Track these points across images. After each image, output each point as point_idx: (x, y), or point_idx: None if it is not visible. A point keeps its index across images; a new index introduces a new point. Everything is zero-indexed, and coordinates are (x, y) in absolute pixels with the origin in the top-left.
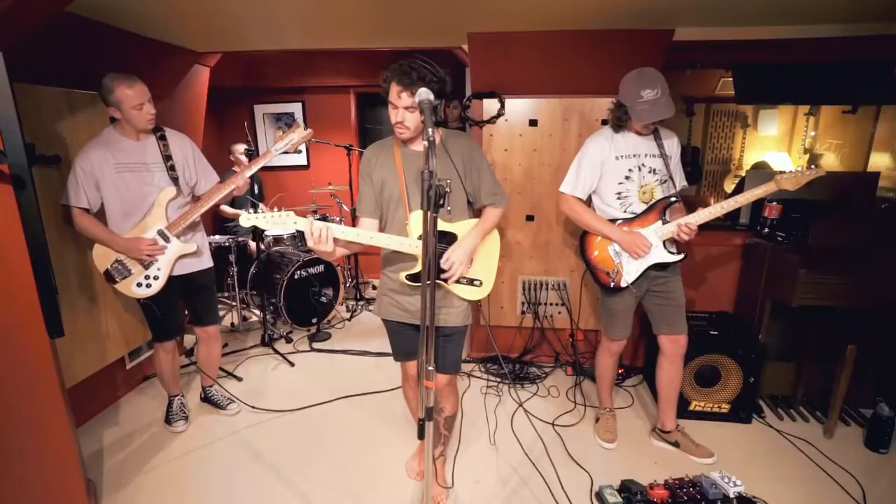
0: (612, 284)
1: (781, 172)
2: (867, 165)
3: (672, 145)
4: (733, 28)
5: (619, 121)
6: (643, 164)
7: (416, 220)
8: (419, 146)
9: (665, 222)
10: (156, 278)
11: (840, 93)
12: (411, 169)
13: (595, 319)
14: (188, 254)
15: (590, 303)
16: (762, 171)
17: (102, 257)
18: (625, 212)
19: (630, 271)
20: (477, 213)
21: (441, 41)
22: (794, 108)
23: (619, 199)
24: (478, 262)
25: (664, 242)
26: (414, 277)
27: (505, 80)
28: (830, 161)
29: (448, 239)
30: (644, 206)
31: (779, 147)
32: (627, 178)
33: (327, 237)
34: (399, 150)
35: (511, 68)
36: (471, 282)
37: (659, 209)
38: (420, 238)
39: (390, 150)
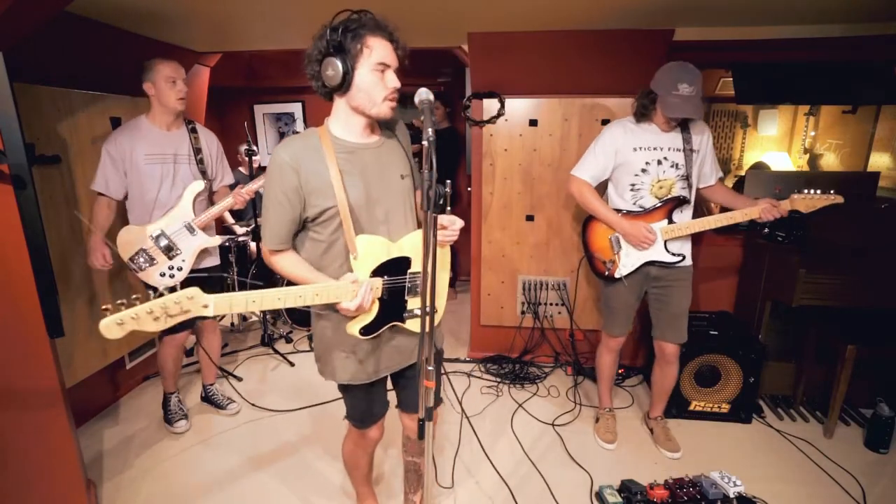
0: (605, 273)
1: (796, 193)
2: (867, 165)
3: (702, 140)
4: (733, 28)
5: (644, 109)
6: (665, 158)
7: (367, 249)
8: (362, 137)
9: (671, 222)
10: (179, 269)
11: (840, 93)
12: (357, 172)
13: (595, 319)
14: (205, 249)
15: (590, 302)
16: (761, 172)
17: (127, 245)
18: (634, 205)
19: (626, 264)
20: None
21: (441, 41)
22: (794, 108)
23: (631, 190)
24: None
25: (665, 242)
26: (370, 328)
27: (505, 80)
28: (830, 161)
29: (401, 267)
30: (655, 202)
31: (779, 147)
32: (644, 170)
33: (371, 297)
34: (333, 146)
35: (511, 68)
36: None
37: (668, 207)
38: (373, 275)
39: (316, 149)
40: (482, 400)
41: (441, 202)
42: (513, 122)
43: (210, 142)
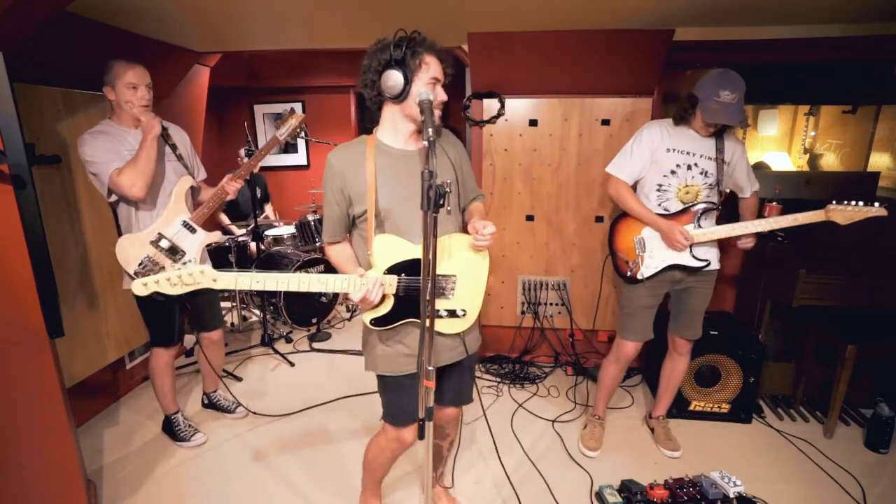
0: (628, 273)
1: (833, 203)
2: (867, 165)
3: (735, 151)
4: (733, 28)
5: (684, 113)
6: (695, 164)
7: (384, 247)
8: (408, 144)
9: (698, 227)
10: None
11: (840, 93)
12: (390, 174)
13: (594, 319)
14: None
15: (591, 302)
16: (761, 172)
17: (129, 255)
18: (658, 206)
19: (650, 266)
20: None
21: (441, 41)
22: (794, 108)
23: (658, 191)
24: (462, 287)
25: (691, 246)
26: (382, 321)
27: (505, 80)
28: (830, 161)
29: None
30: (680, 206)
31: (779, 147)
32: (673, 172)
33: (380, 292)
34: (374, 151)
35: (511, 68)
36: (452, 313)
37: (695, 213)
38: (387, 272)
39: (361, 154)
40: (482, 400)
41: (441, 202)
42: (513, 122)
43: (182, 137)
